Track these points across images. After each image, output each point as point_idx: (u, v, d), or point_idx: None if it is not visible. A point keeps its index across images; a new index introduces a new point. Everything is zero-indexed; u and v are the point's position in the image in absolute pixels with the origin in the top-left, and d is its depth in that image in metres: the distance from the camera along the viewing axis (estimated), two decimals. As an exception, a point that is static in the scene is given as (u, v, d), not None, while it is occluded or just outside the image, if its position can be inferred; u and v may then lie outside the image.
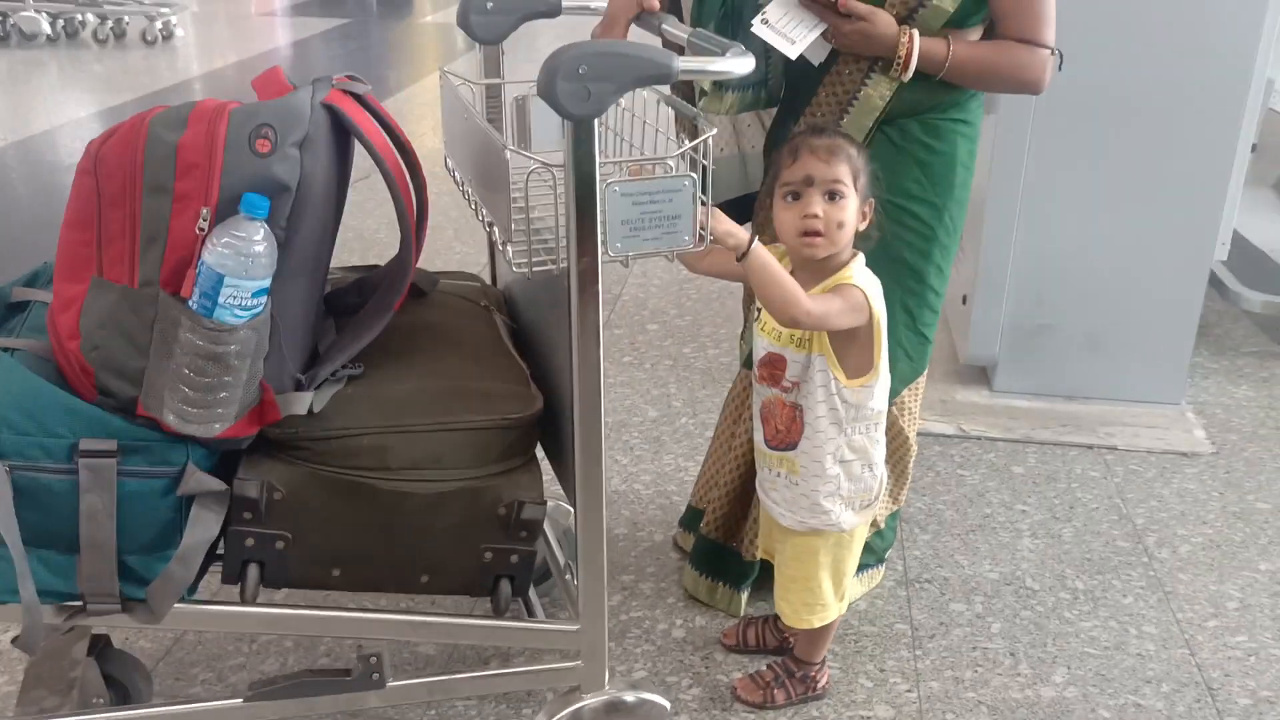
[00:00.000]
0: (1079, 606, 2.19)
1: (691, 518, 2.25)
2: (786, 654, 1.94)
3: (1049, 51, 1.76)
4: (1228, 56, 2.62)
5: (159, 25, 8.03)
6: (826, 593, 1.79)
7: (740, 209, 2.06)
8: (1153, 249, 2.78)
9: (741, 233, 1.49)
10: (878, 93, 1.77)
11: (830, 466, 1.69)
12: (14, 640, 1.41)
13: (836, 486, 1.71)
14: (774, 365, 1.68)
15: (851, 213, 1.58)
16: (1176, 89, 2.65)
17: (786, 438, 1.71)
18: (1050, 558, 2.34)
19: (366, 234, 3.98)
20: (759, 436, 1.77)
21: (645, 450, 2.72)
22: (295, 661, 1.98)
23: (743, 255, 1.50)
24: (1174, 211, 2.75)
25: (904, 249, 1.83)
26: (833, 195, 1.57)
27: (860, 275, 1.61)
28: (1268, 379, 3.17)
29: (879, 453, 1.74)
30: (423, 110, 6.16)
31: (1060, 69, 1.79)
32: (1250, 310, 3.34)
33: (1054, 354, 2.91)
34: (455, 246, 3.98)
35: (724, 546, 2.10)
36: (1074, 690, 1.96)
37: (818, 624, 1.81)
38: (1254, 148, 3.35)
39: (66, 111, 6.04)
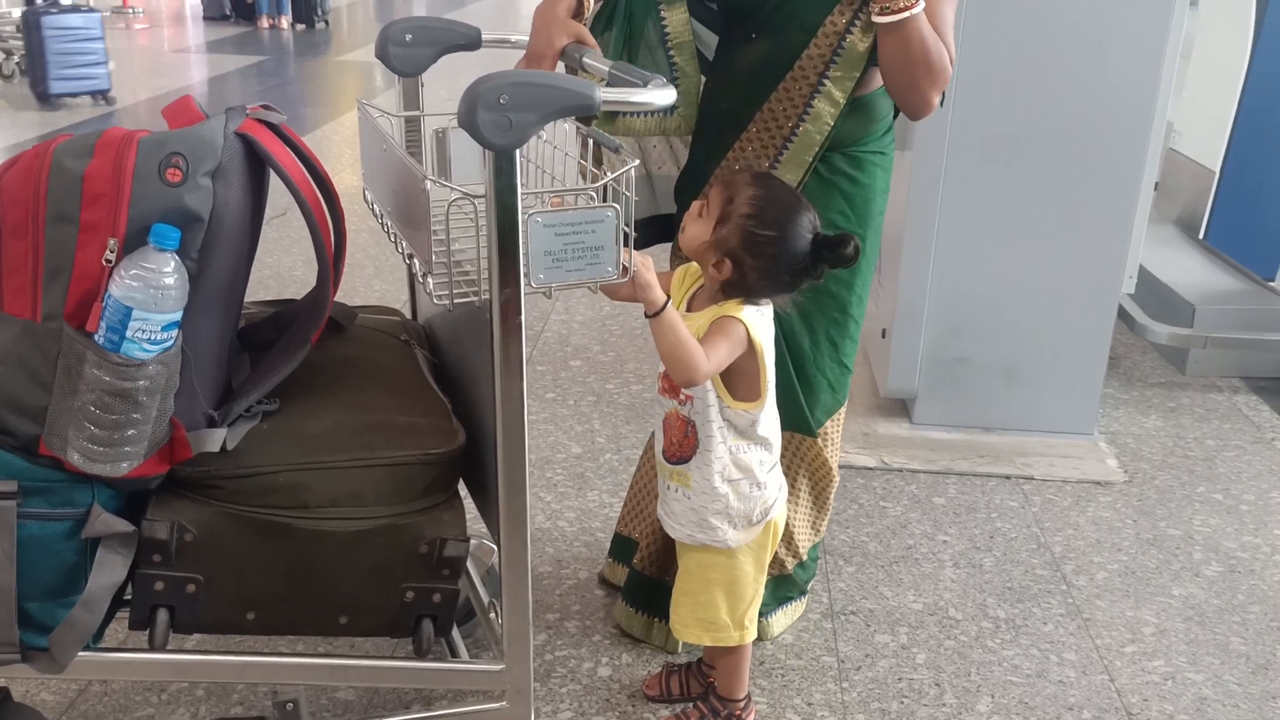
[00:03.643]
0: (1001, 635, 2.22)
1: (620, 547, 2.23)
2: (711, 694, 1.93)
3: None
4: (1130, 100, 2.72)
5: (68, 61, 7.84)
6: (721, 612, 1.79)
7: (648, 231, 2.07)
8: (1063, 283, 2.86)
9: (659, 293, 1.51)
10: (817, 128, 1.79)
11: (719, 484, 1.71)
12: (-97, 695, 1.33)
13: (725, 505, 1.72)
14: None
15: (693, 232, 1.62)
16: (1082, 130, 2.74)
17: (680, 451, 1.72)
18: (972, 587, 2.37)
19: (283, 271, 3.91)
20: (658, 449, 1.78)
21: (569, 487, 2.70)
22: (208, 711, 1.90)
23: (654, 314, 1.52)
24: (1082, 247, 2.83)
25: (830, 280, 1.85)
26: (700, 209, 1.64)
27: (748, 310, 1.63)
28: (1175, 409, 3.27)
29: (767, 475, 1.75)
30: (340, 147, 6.10)
31: (941, 104, 1.83)
32: (1157, 342, 3.45)
33: (972, 386, 2.96)
34: (374, 284, 3.93)
35: (658, 581, 2.09)
36: (998, 719, 1.98)
37: (709, 641, 1.82)
38: (1156, 186, 3.48)
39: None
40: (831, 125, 1.79)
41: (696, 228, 1.62)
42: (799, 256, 1.59)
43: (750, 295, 1.63)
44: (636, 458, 2.78)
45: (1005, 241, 2.83)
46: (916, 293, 2.88)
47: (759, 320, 1.64)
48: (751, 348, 1.62)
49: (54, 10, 6.74)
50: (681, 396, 1.69)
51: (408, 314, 1.97)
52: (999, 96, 2.72)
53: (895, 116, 1.93)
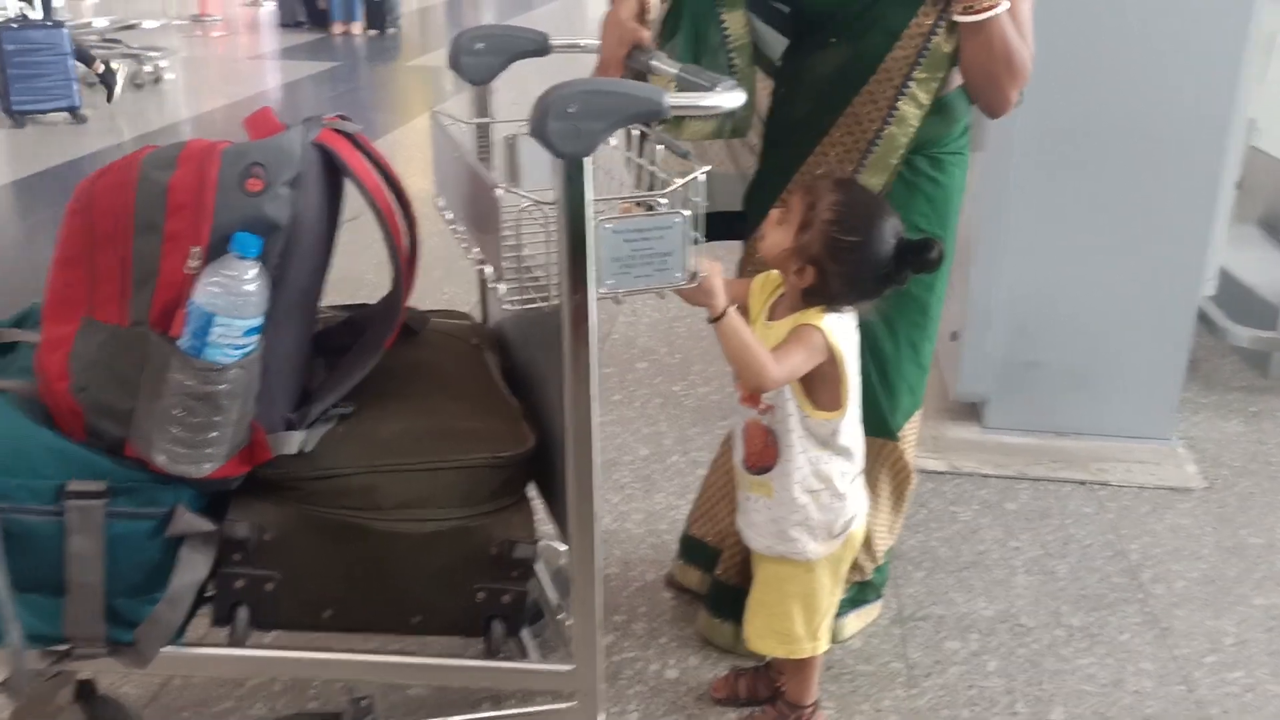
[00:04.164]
0: (1075, 644, 2.18)
1: (689, 548, 2.22)
2: (779, 698, 1.92)
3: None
4: (1209, 96, 2.65)
5: (148, 69, 8.06)
6: (796, 624, 1.78)
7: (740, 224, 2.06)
8: (1140, 285, 2.80)
9: (722, 299, 1.51)
10: (902, 130, 1.78)
11: (799, 495, 1.70)
12: (0, 684, 1.39)
13: (805, 516, 1.71)
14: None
15: (773, 239, 1.61)
16: (1159, 128, 2.68)
17: (760, 461, 1.71)
18: (1045, 594, 2.33)
19: (354, 275, 3.98)
20: (737, 458, 1.78)
21: (636, 489, 2.71)
22: (284, 706, 1.95)
23: (715, 319, 1.52)
24: (1160, 248, 2.77)
25: (913, 284, 1.83)
26: (780, 216, 1.63)
27: (829, 318, 1.62)
28: (1258, 414, 3.18)
29: (848, 486, 1.74)
30: (410, 152, 6.19)
31: (1020, 102, 1.81)
32: (1238, 345, 3.36)
33: (1045, 390, 2.91)
34: (444, 287, 3.97)
35: (742, 589, 2.07)
36: (1071, 729, 1.95)
37: (783, 654, 1.81)
38: (1238, 185, 3.39)
39: (54, 155, 6.04)
40: (916, 127, 1.78)
41: (777, 235, 1.61)
42: (883, 262, 1.58)
43: (832, 302, 1.62)
44: (704, 460, 2.78)
45: (1079, 242, 2.78)
46: (988, 295, 2.84)
47: (840, 328, 1.62)
48: (832, 355, 1.61)
49: (14, 26, 6.47)
50: (761, 405, 1.69)
51: (478, 318, 2.00)
52: (1073, 94, 2.67)
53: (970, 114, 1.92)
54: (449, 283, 4.04)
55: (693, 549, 2.22)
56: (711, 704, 1.99)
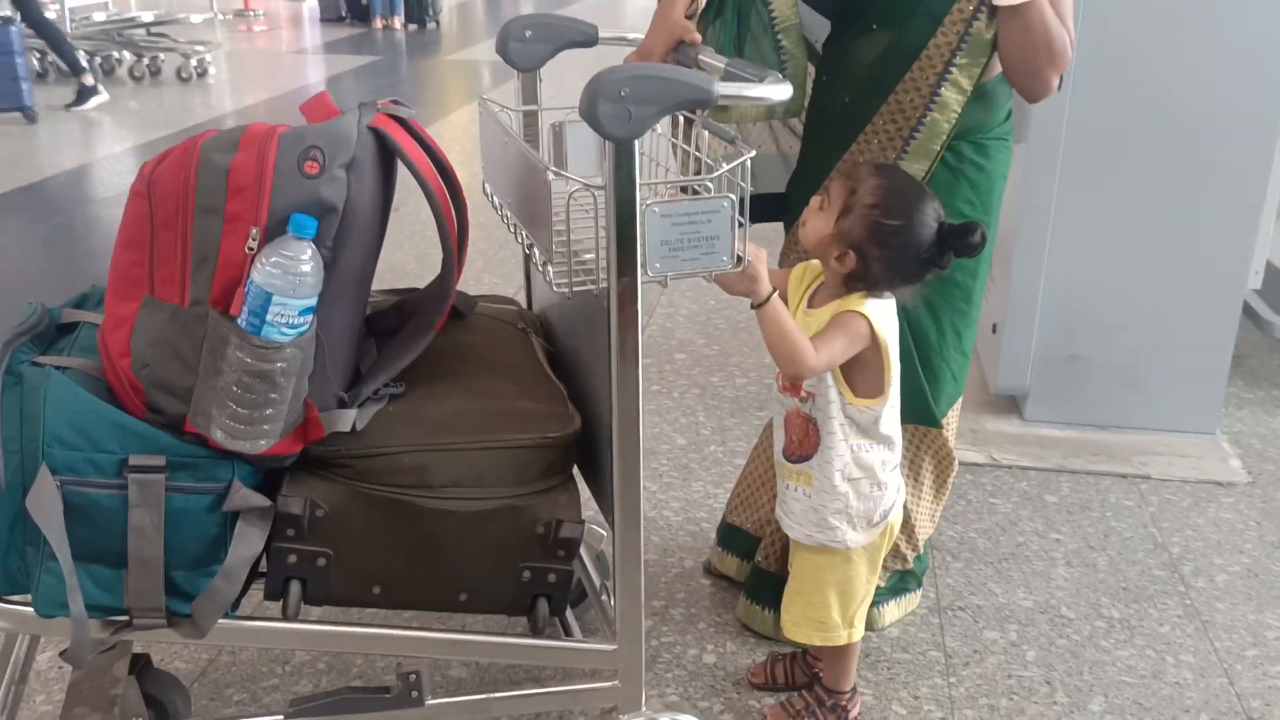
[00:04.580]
0: (1115, 635, 2.17)
1: (728, 535, 2.24)
2: (817, 684, 1.93)
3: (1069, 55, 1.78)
4: (1258, 88, 2.63)
5: (194, 63, 8.19)
6: (832, 612, 1.79)
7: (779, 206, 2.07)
8: (1185, 278, 2.78)
9: (766, 285, 1.52)
10: (944, 116, 1.79)
11: (839, 483, 1.70)
12: (62, 653, 1.42)
13: (845, 504, 1.72)
14: None
15: (814, 226, 1.62)
16: (1207, 119, 2.66)
17: (800, 449, 1.72)
18: (1085, 586, 2.32)
19: (396, 264, 4.03)
20: (778, 447, 1.79)
21: (674, 477, 2.73)
22: (329, 683, 1.99)
23: (758, 305, 1.54)
24: (1206, 241, 2.75)
25: (956, 270, 1.84)
26: (821, 202, 1.64)
27: (871, 304, 1.63)
28: (1303, 409, 3.15)
29: (888, 475, 1.74)
30: (450, 144, 6.24)
31: (1060, 88, 1.81)
32: (1285, 340, 3.33)
33: (1086, 383, 2.90)
34: (484, 277, 4.01)
35: (782, 577, 2.08)
36: (1111, 719, 1.94)
37: (818, 642, 1.82)
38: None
39: (104, 147, 6.15)
40: (959, 113, 1.78)
41: (818, 221, 1.62)
42: (925, 245, 1.59)
43: (874, 288, 1.62)
44: (741, 450, 2.80)
45: (1123, 234, 2.76)
46: (1029, 287, 2.83)
47: (883, 314, 1.63)
48: (875, 341, 1.62)
49: None
50: (803, 394, 1.70)
51: (522, 303, 2.03)
52: (1119, 85, 2.66)
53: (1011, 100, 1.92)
54: (488, 272, 4.09)
55: (731, 537, 2.23)
56: (749, 689, 2.00)
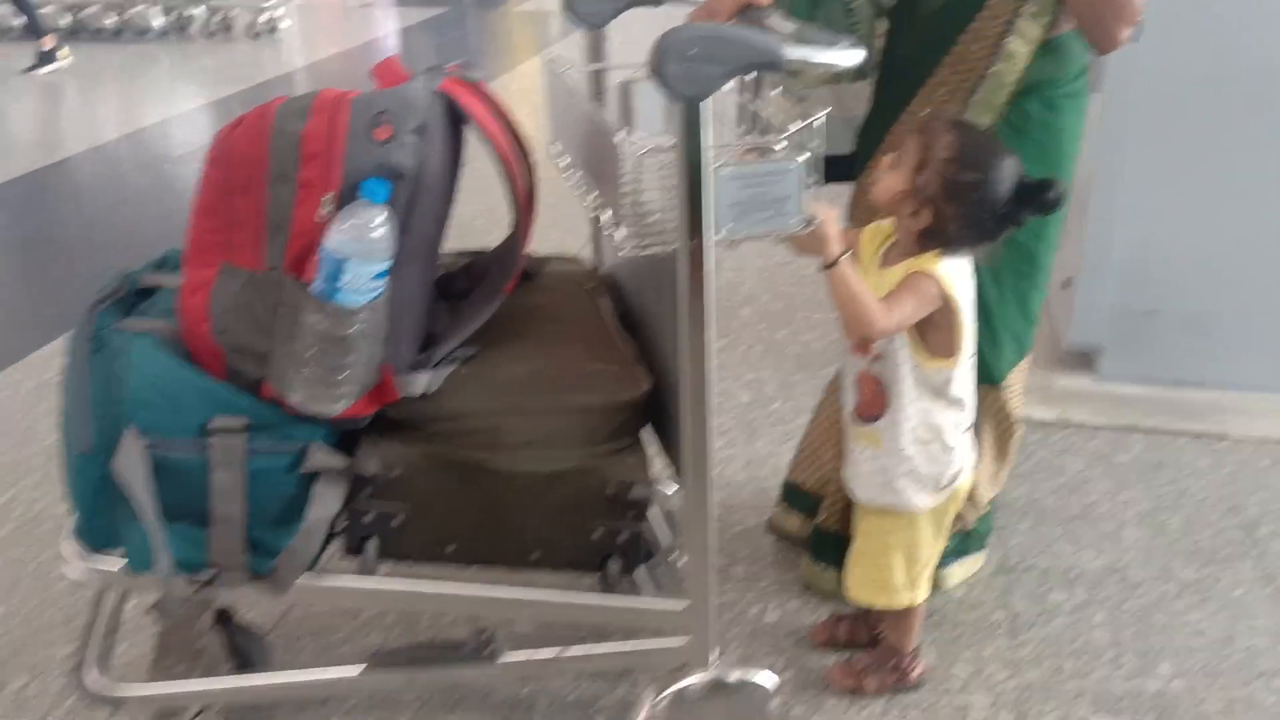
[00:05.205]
0: (1186, 598, 2.14)
1: (791, 495, 2.24)
2: (879, 644, 1.94)
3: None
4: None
5: (264, 19, 8.25)
6: (896, 574, 1.78)
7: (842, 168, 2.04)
8: (1265, 231, 2.69)
9: (836, 245, 1.50)
10: (1010, 67, 1.74)
11: (908, 445, 1.69)
12: (151, 607, 1.48)
13: (913, 466, 1.71)
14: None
15: (887, 183, 1.60)
16: (1293, 63, 2.56)
17: (869, 410, 1.71)
18: (1156, 548, 2.29)
19: (464, 221, 4.02)
20: (847, 408, 1.78)
21: (738, 435, 2.73)
22: (396, 637, 2.03)
23: (828, 265, 1.52)
24: (1289, 192, 2.66)
25: (1019, 232, 1.81)
26: (894, 160, 1.61)
27: (943, 262, 1.60)
28: (1389, 366, 3.05)
29: (958, 438, 1.73)
30: (517, 97, 6.22)
31: (1137, 39, 1.75)
32: (1370, 294, 3.21)
33: (1161, 339, 2.82)
34: (549, 233, 4.01)
35: (844, 537, 2.07)
36: (1180, 683, 1.92)
37: (882, 604, 1.81)
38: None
39: (177, 104, 6.24)
40: (1025, 66, 1.74)
41: (891, 179, 1.60)
42: (1001, 202, 1.56)
43: (949, 245, 1.60)
44: (806, 407, 2.77)
45: (1202, 185, 2.67)
46: (1104, 241, 2.76)
47: (956, 274, 1.61)
48: (947, 302, 1.59)
49: None
50: (873, 354, 1.68)
51: (589, 262, 2.03)
52: (1196, 33, 2.56)
53: (1088, 55, 1.86)
54: (554, 227, 4.09)
55: (794, 495, 2.23)
56: (811, 647, 2.01)
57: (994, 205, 1.56)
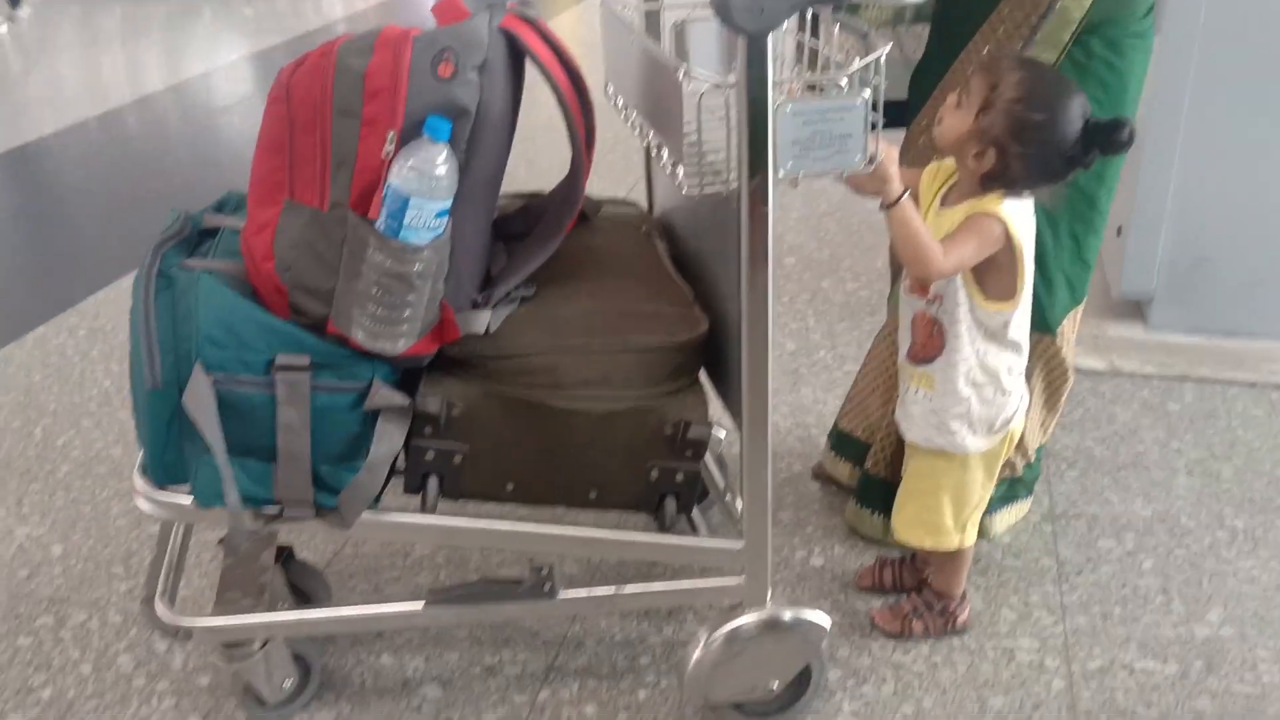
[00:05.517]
0: (1237, 545, 2.13)
1: (842, 443, 2.24)
2: (925, 588, 1.94)
3: None
4: None
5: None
6: (945, 516, 1.78)
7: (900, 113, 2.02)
8: (1327, 177, 2.64)
9: (899, 184, 1.49)
10: (1075, 3, 1.71)
11: (963, 387, 1.68)
12: (220, 541, 1.51)
13: (967, 408, 1.70)
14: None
15: (950, 123, 1.57)
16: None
17: (924, 352, 1.71)
18: (1208, 496, 2.28)
19: (508, 171, 4.05)
20: (902, 350, 1.77)
21: (783, 382, 2.73)
22: (447, 576, 2.07)
23: (889, 205, 1.50)
24: (1349, 138, 2.60)
25: (1079, 175, 1.78)
26: (959, 100, 1.58)
27: (1007, 203, 1.58)
28: None
29: (1013, 381, 1.72)
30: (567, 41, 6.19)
31: None
32: None
33: (1216, 288, 2.78)
34: (593, 178, 4.02)
35: (892, 483, 2.07)
36: (1230, 629, 1.92)
37: (929, 545, 1.82)
38: None
39: (220, 56, 6.25)
40: (1090, 1, 1.70)
41: (955, 119, 1.58)
42: (1069, 142, 1.54)
43: (1013, 187, 1.58)
44: (851, 356, 2.78)
45: (1261, 132, 2.62)
46: (1158, 188, 2.71)
47: (1019, 215, 1.59)
48: (1010, 244, 1.58)
49: None
50: (930, 295, 1.67)
51: (643, 205, 2.02)
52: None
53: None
54: (596, 174, 4.08)
55: (843, 442, 2.23)
56: (857, 591, 2.02)
57: (1062, 146, 1.54)
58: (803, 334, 2.96)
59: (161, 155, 4.68)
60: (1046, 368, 2.03)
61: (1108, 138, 1.53)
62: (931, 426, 1.74)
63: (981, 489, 1.80)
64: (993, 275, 1.62)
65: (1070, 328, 2.02)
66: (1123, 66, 1.79)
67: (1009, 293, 1.64)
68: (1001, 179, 1.57)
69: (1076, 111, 1.54)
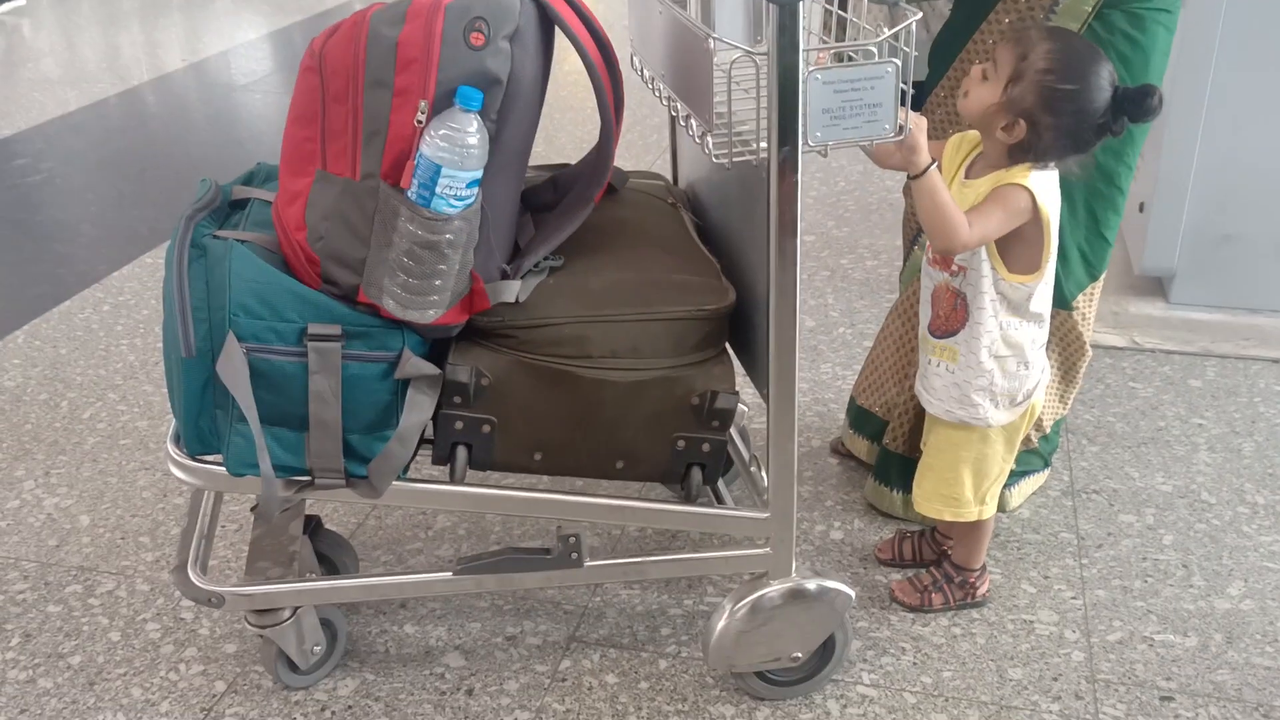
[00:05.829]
0: (1259, 521, 2.14)
1: (860, 419, 2.25)
2: (945, 560, 1.95)
3: None
4: None
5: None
6: (965, 489, 1.79)
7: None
8: (1351, 154, 2.62)
9: (926, 155, 1.49)
10: None
11: (985, 359, 1.69)
12: (252, 509, 1.53)
13: (989, 381, 1.70)
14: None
15: (978, 95, 1.57)
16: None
17: (947, 325, 1.71)
18: (1228, 472, 2.28)
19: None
20: (923, 324, 1.78)
21: (803, 358, 2.73)
22: (469, 548, 2.09)
23: (917, 175, 1.50)
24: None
25: (1098, 150, 1.77)
26: (985, 72, 1.58)
27: (1035, 177, 1.58)
28: None
29: (1036, 354, 1.72)
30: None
31: None
32: None
33: (1239, 264, 2.77)
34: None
35: (910, 459, 2.08)
36: (1250, 603, 1.93)
37: (949, 517, 1.83)
38: None
39: (239, 34, 6.24)
40: None
41: (982, 91, 1.57)
42: (1100, 111, 1.53)
43: (1043, 157, 1.58)
44: (870, 333, 2.78)
45: (1285, 107, 2.61)
46: (1181, 163, 2.70)
47: (1046, 186, 1.59)
48: (1036, 216, 1.58)
49: None
50: (953, 268, 1.68)
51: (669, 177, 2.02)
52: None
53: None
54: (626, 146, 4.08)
55: (862, 419, 2.24)
56: (876, 564, 2.04)
57: (1093, 115, 1.54)
58: (821, 311, 2.97)
59: (183, 133, 4.69)
60: (1062, 343, 2.04)
61: (1137, 105, 1.53)
62: (953, 399, 1.74)
63: (1002, 462, 1.80)
64: (1018, 248, 1.62)
65: (1086, 303, 2.02)
66: (1145, 41, 1.78)
67: (1034, 266, 1.64)
68: (1032, 150, 1.57)
69: (1106, 80, 1.53)
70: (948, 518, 1.84)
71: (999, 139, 1.58)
